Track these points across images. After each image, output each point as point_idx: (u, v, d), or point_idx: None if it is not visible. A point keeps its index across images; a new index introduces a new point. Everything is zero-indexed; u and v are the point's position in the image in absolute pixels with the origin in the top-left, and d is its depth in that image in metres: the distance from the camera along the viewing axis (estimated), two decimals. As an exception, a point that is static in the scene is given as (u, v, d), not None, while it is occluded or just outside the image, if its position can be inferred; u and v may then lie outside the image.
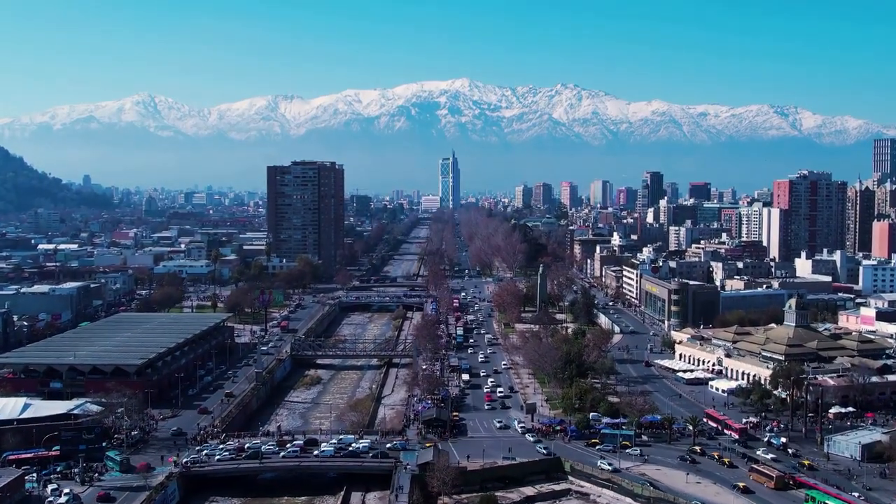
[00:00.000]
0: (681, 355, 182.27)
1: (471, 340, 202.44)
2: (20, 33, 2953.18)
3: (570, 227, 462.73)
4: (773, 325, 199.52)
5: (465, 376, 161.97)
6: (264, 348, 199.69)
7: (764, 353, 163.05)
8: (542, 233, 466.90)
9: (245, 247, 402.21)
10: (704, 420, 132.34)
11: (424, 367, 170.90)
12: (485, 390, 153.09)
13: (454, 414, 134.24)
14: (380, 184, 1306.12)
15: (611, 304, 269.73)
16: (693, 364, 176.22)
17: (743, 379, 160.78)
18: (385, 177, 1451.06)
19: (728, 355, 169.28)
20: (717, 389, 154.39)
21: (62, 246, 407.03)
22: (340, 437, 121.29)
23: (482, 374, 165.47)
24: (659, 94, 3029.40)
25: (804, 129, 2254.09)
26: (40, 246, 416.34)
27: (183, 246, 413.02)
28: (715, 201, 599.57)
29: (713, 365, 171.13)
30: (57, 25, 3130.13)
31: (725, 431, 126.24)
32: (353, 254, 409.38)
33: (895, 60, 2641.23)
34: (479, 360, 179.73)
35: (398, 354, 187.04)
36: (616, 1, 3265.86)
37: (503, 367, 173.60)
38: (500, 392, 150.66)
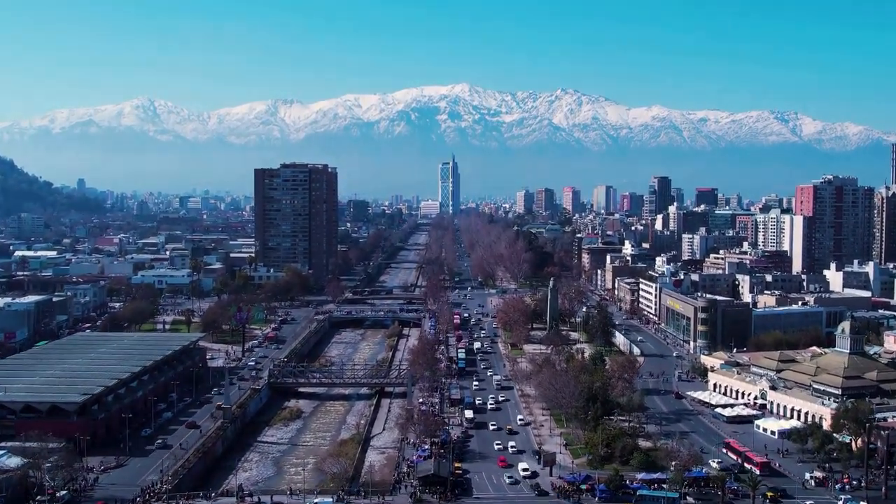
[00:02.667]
0: (715, 385, 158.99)
1: (476, 383, 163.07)
2: (19, 37, 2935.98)
3: (578, 235, 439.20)
4: (814, 347, 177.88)
5: (469, 413, 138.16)
6: (251, 362, 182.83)
7: (816, 386, 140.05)
8: (546, 240, 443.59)
9: (232, 255, 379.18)
10: (724, 451, 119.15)
11: (421, 399, 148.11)
12: (496, 447, 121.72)
13: (456, 465, 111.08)
14: (379, 188, 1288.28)
15: (624, 317, 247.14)
16: (731, 396, 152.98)
17: (793, 416, 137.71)
18: (384, 181, 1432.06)
19: (773, 387, 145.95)
20: (766, 431, 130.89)
21: (40, 253, 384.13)
22: (315, 500, 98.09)
23: (493, 428, 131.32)
24: (659, 99, 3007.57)
25: (804, 136, 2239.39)
26: (17, 253, 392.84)
27: (168, 253, 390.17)
28: (727, 208, 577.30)
29: (755, 399, 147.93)
30: (56, 29, 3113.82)
31: (746, 465, 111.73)
32: (347, 262, 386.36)
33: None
34: (490, 405, 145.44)
35: (391, 383, 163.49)
36: (616, 7, 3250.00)
37: (520, 422, 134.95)
38: (523, 471, 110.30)
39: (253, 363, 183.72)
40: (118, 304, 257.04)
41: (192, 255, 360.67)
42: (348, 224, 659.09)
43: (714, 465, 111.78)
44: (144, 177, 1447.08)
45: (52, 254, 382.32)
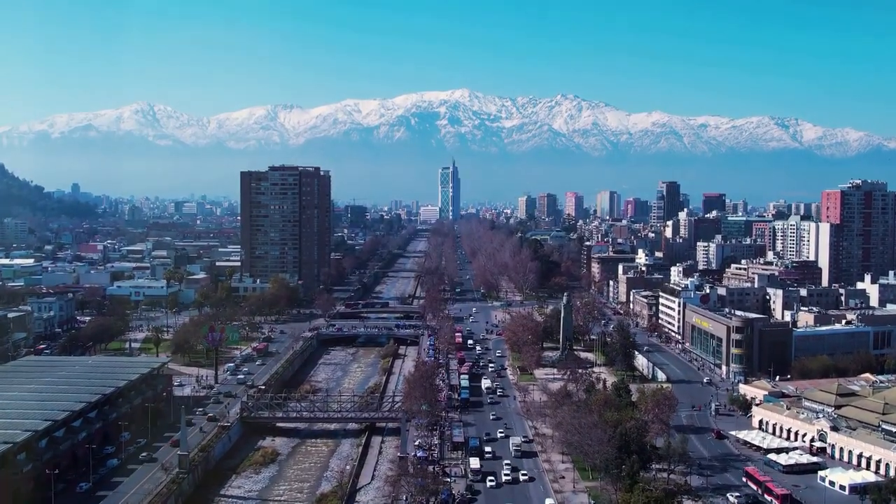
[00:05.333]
0: (761, 422, 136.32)
1: (488, 450, 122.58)
2: (19, 41, 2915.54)
3: (587, 243, 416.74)
4: (867, 374, 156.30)
5: (475, 462, 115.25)
6: (239, 377, 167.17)
7: (886, 427, 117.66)
8: (552, 248, 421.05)
9: (219, 263, 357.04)
10: (744, 480, 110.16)
11: (417, 441, 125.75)
12: None
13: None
14: (378, 194, 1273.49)
15: (648, 336, 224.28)
16: (781, 435, 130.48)
17: (860, 464, 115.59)
18: (384, 187, 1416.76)
19: (835, 428, 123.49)
20: (833, 484, 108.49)
21: (16, 261, 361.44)
22: None
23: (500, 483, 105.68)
24: (659, 105, 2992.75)
25: (805, 141, 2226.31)
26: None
27: (152, 262, 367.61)
28: (739, 214, 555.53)
29: (811, 441, 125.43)
30: (55, 33, 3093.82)
31: (766, 497, 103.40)
32: (341, 272, 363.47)
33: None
34: (505, 475, 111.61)
35: (383, 418, 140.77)
36: (616, 12, 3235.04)
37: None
38: None
39: (242, 378, 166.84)
40: (89, 318, 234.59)
41: (174, 264, 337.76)
42: (345, 230, 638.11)
43: (732, 499, 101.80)
44: (144, 181, 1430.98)
45: (29, 262, 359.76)
